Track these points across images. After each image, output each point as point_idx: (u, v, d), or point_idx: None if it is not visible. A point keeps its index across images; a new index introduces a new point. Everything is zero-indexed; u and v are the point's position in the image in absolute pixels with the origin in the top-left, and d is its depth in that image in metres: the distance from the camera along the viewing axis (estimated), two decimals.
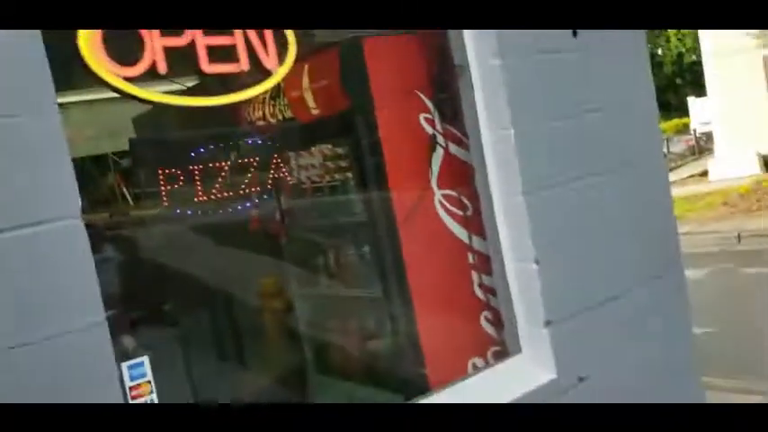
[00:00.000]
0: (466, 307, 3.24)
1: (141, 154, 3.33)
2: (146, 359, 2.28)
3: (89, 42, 2.30)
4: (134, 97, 2.36)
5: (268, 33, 2.64)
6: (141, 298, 3.66)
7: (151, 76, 2.44)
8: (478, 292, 3.26)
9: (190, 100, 2.45)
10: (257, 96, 2.92)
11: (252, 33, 2.60)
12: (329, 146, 3.30)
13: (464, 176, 3.18)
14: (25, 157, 1.93)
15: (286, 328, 4.20)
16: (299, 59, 2.75)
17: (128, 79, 2.38)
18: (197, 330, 4.38)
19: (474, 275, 3.25)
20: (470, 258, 3.24)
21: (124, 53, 2.40)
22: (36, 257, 1.93)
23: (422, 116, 3.16)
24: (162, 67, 2.42)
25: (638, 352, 3.28)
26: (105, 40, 2.32)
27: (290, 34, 2.70)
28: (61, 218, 1.98)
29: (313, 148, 3.35)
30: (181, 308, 4.09)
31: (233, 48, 2.58)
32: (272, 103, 3.40)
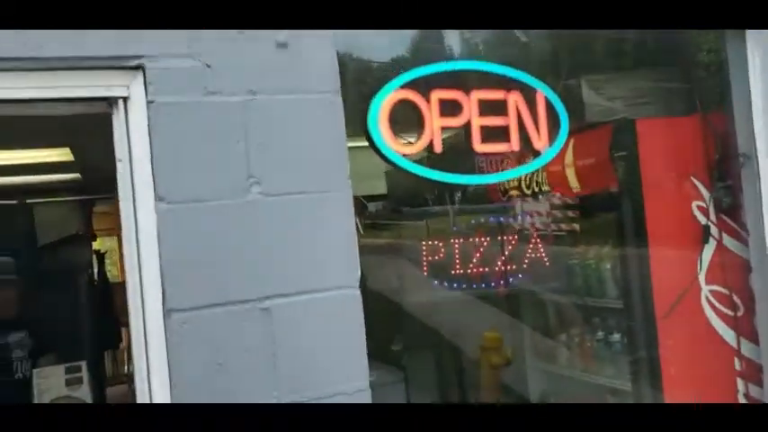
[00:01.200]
0: None
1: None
2: None
3: (378, 118, 2.47)
4: (414, 175, 2.49)
5: (542, 115, 2.64)
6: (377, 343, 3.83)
7: (427, 153, 2.57)
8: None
9: (463, 178, 2.53)
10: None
11: (526, 114, 2.63)
12: (589, 224, 3.21)
13: (738, 273, 2.90)
14: (318, 229, 2.14)
15: (503, 385, 4.11)
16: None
17: (406, 156, 2.52)
18: (423, 376, 4.46)
19: (740, 383, 2.92)
20: (737, 364, 2.92)
21: (406, 130, 2.57)
22: (316, 321, 2.11)
23: (695, 204, 2.94)
24: (438, 146, 2.53)
25: None
26: (391, 118, 2.49)
27: (562, 116, 2.67)
28: (342, 287, 2.15)
29: (574, 225, 3.27)
30: (409, 353, 4.21)
31: (506, 128, 2.62)
32: (529, 174, 3.39)
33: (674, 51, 2.93)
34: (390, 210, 4.89)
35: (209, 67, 2.03)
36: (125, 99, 1.99)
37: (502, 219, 3.09)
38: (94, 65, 1.95)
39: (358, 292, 2.16)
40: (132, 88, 1.99)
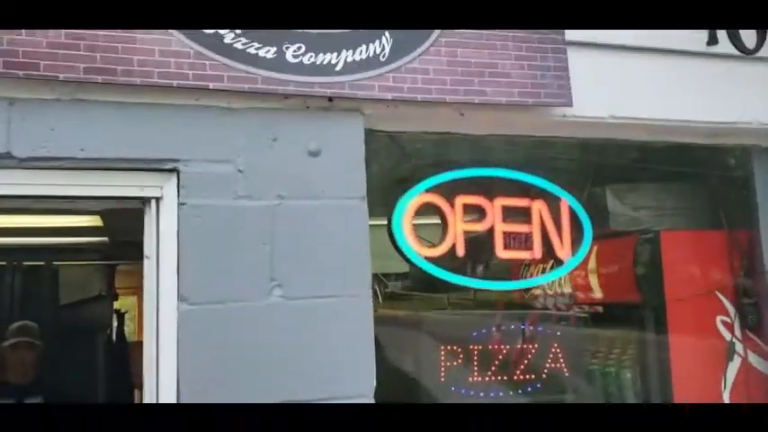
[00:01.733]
0: None
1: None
2: None
3: (402, 220, 2.51)
4: (435, 277, 2.50)
5: (565, 224, 2.65)
6: None
7: (450, 257, 2.58)
8: None
9: (484, 284, 2.54)
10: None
11: (549, 223, 2.64)
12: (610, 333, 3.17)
13: (764, 393, 2.82)
14: (337, 334, 2.14)
15: None
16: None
17: (428, 259, 2.54)
18: None
19: None
20: None
21: (428, 234, 2.60)
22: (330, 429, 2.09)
23: (719, 319, 2.89)
24: (460, 251, 2.54)
25: None
26: (414, 221, 2.52)
27: (586, 226, 2.68)
28: (357, 396, 2.13)
29: (594, 334, 3.22)
30: None
31: (529, 236, 2.63)
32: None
33: (699, 165, 2.95)
34: (410, 287, 4.87)
35: (241, 172, 2.09)
36: (158, 199, 2.05)
37: (523, 325, 3.07)
38: (131, 166, 2.03)
39: (372, 401, 2.14)
40: (165, 189, 2.05)
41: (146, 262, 2.08)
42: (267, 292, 2.09)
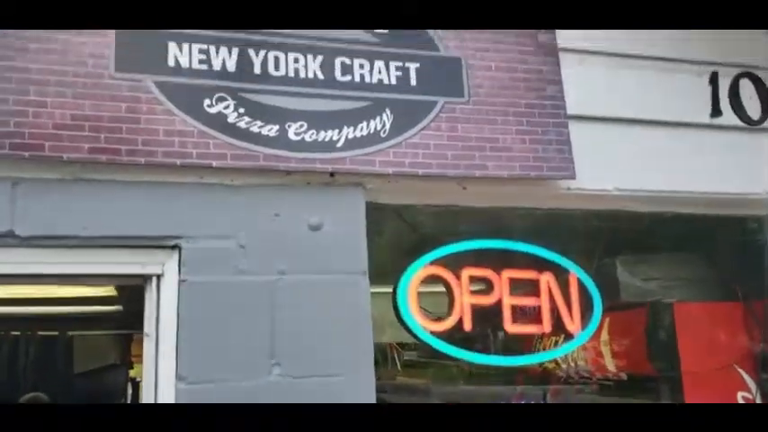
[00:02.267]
0: None
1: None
2: None
3: (407, 293, 2.48)
4: (439, 353, 2.46)
5: (575, 296, 2.60)
6: None
7: (457, 331, 2.53)
8: None
9: (493, 359, 2.48)
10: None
11: (558, 296, 2.59)
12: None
13: None
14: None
15: None
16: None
17: (434, 333, 2.49)
18: None
19: None
20: None
21: (434, 307, 2.56)
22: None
23: (740, 395, 2.79)
24: (467, 326, 2.50)
25: None
26: (419, 293, 2.49)
27: (596, 299, 2.62)
28: None
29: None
30: None
31: (537, 310, 2.58)
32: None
33: (711, 235, 2.90)
34: (429, 355, 4.80)
35: (242, 247, 2.10)
36: (159, 276, 2.06)
37: (539, 399, 2.98)
38: (133, 243, 2.04)
39: None
40: (167, 266, 2.06)
41: (145, 340, 2.06)
42: (267, 371, 2.05)
